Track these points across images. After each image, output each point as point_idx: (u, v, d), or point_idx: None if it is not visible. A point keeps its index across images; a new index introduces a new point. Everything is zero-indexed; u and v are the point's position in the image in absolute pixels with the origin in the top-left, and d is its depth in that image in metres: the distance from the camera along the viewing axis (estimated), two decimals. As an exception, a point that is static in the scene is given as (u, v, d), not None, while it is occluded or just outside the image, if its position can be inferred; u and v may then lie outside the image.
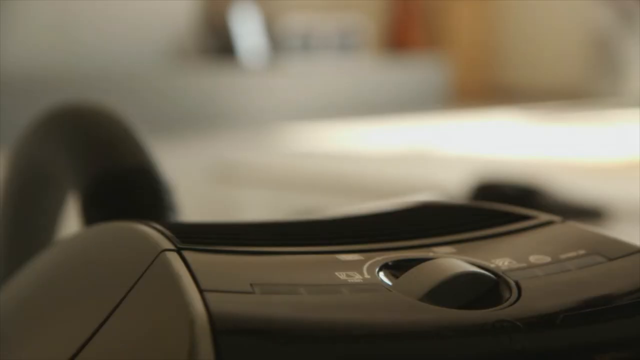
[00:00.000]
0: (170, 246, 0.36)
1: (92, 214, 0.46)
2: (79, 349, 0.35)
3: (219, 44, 3.40)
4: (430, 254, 0.39)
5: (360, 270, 0.37)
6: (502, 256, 0.39)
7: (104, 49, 2.97)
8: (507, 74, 4.70)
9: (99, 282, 0.38)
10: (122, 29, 3.00)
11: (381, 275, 0.37)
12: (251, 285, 0.35)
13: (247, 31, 3.28)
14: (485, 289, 0.36)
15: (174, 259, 0.35)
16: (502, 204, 0.44)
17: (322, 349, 0.32)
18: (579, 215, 1.56)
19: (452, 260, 0.37)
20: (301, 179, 2.09)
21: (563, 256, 0.39)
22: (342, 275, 0.36)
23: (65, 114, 0.50)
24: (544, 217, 0.43)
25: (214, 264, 0.36)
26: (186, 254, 0.36)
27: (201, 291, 0.33)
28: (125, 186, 0.47)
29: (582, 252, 0.39)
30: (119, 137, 0.48)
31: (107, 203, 0.46)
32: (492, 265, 0.38)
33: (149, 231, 0.37)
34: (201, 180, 2.10)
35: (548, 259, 0.39)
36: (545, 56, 4.61)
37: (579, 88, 4.54)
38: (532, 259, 0.39)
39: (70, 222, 0.53)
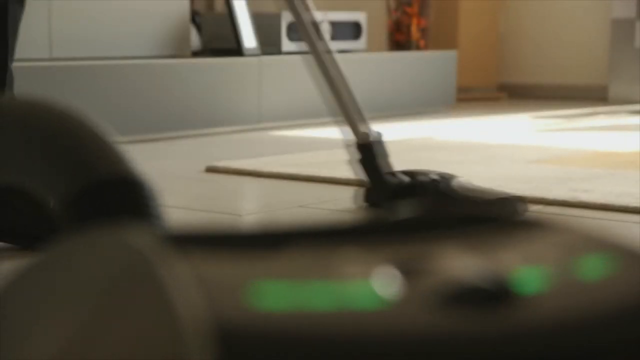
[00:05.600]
0: (167, 249, 0.36)
1: (75, 224, 0.46)
2: (75, 349, 0.35)
3: (216, 41, 3.40)
4: (432, 257, 0.38)
5: (362, 271, 0.36)
6: (503, 259, 0.39)
7: (101, 47, 2.96)
8: (509, 74, 4.70)
9: (92, 286, 0.37)
10: (120, 25, 3.00)
11: (383, 277, 0.36)
12: (250, 286, 0.34)
13: (245, 29, 3.28)
14: (487, 291, 0.36)
15: (170, 262, 0.35)
16: (497, 210, 0.44)
17: (323, 352, 0.32)
18: (493, 204, 1.60)
19: (456, 263, 0.37)
20: (299, 178, 2.09)
21: (564, 259, 0.39)
22: (342, 276, 0.36)
23: (38, 116, 0.50)
24: (543, 222, 0.43)
25: (211, 265, 0.36)
26: (182, 257, 0.36)
27: (199, 294, 0.33)
28: (108, 196, 0.47)
29: (582, 254, 0.39)
30: (98, 146, 0.48)
31: (90, 214, 0.46)
32: (494, 268, 0.38)
33: (145, 235, 0.37)
34: (199, 179, 2.10)
35: (549, 262, 0.39)
36: (551, 56, 4.62)
37: (585, 88, 4.55)
38: (534, 262, 0.39)
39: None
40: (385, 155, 1.67)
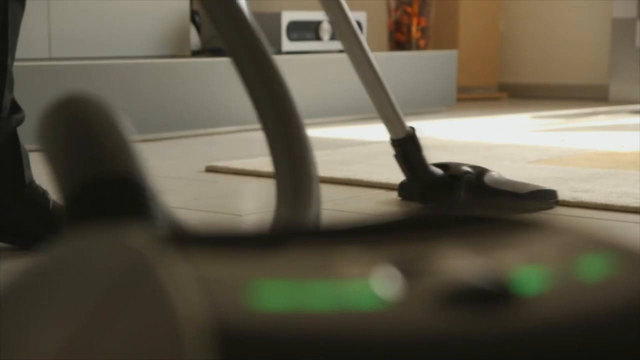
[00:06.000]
0: (167, 249, 0.36)
1: (78, 220, 0.46)
2: (75, 350, 0.35)
3: (216, 41, 3.39)
4: (434, 257, 0.38)
5: (362, 271, 0.36)
6: (504, 259, 0.39)
7: (100, 47, 2.96)
8: (509, 74, 4.70)
9: (92, 287, 0.37)
10: (120, 25, 3.00)
11: (383, 277, 0.36)
12: (250, 286, 0.34)
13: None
14: (487, 292, 0.35)
15: (169, 262, 0.35)
16: (497, 210, 0.44)
17: (323, 353, 0.32)
18: (531, 197, 1.64)
19: (456, 264, 0.37)
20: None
21: (565, 259, 0.39)
22: (342, 276, 0.36)
23: (62, 110, 0.50)
24: (544, 222, 0.43)
25: (211, 265, 0.36)
26: (182, 257, 0.35)
27: (199, 294, 0.33)
28: (108, 196, 0.46)
29: (582, 255, 0.39)
30: (108, 144, 0.48)
31: (91, 213, 0.46)
32: (494, 269, 0.37)
33: (145, 235, 0.37)
34: (199, 179, 2.10)
35: (550, 262, 0.39)
36: (551, 56, 4.61)
37: (585, 88, 4.54)
38: (534, 262, 0.39)
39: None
40: (420, 150, 1.70)
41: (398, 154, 1.71)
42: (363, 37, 1.68)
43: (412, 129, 1.71)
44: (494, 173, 1.72)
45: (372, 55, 1.69)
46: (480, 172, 1.72)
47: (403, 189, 1.79)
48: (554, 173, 2.09)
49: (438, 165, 1.74)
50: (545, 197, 1.69)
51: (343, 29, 1.65)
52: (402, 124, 1.70)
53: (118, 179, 0.48)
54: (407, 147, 1.69)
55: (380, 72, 1.70)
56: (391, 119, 1.69)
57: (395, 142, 1.70)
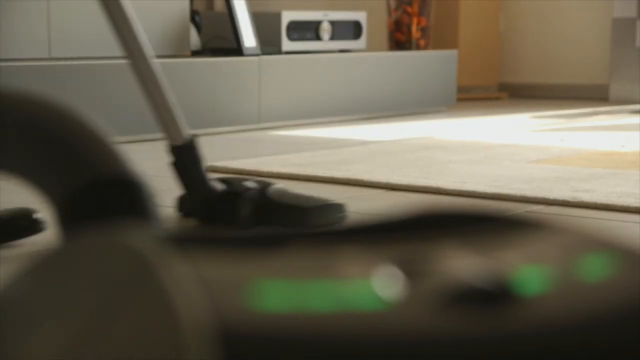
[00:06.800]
0: (167, 250, 0.36)
1: (75, 224, 0.46)
2: (76, 351, 0.35)
3: (216, 41, 3.40)
4: (434, 257, 0.38)
5: (363, 271, 0.36)
6: (504, 259, 0.38)
7: (100, 46, 2.96)
8: (510, 74, 4.70)
9: (92, 288, 0.37)
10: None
11: (384, 277, 0.36)
12: (251, 287, 0.34)
13: (245, 28, 3.28)
14: (487, 292, 0.35)
15: (170, 262, 0.35)
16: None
17: (324, 353, 0.32)
18: None
19: (457, 264, 0.37)
20: (299, 178, 2.08)
21: (565, 259, 0.39)
22: (343, 276, 0.36)
23: (37, 113, 0.49)
24: (544, 222, 0.43)
25: (211, 266, 0.36)
26: (183, 257, 0.35)
27: (199, 294, 0.33)
28: (107, 197, 0.46)
29: (582, 255, 0.39)
30: (97, 146, 0.48)
31: (89, 214, 0.46)
32: (494, 269, 0.37)
33: (145, 235, 0.37)
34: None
35: (550, 263, 0.38)
36: (551, 55, 4.61)
37: (585, 88, 4.54)
38: (534, 262, 0.39)
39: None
40: (198, 160, 1.55)
41: (174, 163, 1.56)
42: (140, 34, 1.49)
43: (193, 136, 1.56)
44: (278, 186, 1.59)
45: (150, 53, 1.51)
46: (264, 186, 1.58)
47: (182, 204, 1.63)
48: (554, 173, 2.09)
49: (220, 179, 1.59)
50: (331, 211, 1.53)
51: (122, 29, 1.47)
52: (180, 130, 1.55)
53: (115, 180, 0.48)
54: (183, 156, 1.54)
55: (159, 72, 1.52)
56: (168, 123, 1.54)
57: (171, 149, 1.55)
